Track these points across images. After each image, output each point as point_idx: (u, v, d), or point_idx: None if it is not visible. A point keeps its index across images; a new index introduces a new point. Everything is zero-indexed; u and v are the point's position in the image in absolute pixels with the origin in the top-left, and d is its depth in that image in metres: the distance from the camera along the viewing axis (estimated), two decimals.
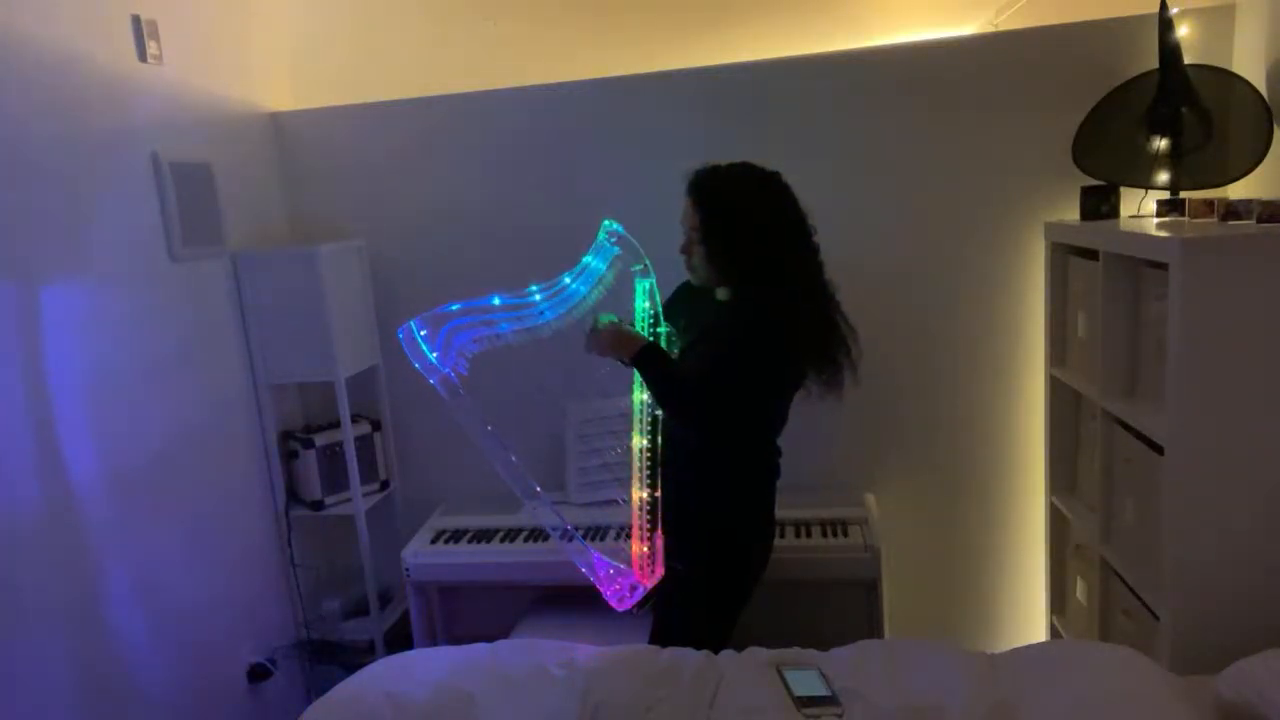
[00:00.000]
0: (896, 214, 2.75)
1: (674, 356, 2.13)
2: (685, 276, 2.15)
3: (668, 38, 3.03)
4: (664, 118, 2.83)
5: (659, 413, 2.12)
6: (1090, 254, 2.28)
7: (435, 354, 1.91)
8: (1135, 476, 2.14)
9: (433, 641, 2.96)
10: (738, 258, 1.99)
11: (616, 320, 2.07)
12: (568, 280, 2.08)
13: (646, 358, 2.02)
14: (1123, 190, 2.45)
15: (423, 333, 1.91)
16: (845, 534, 2.64)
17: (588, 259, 2.11)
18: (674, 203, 2.07)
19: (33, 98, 2.11)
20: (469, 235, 3.01)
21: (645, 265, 2.12)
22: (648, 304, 2.14)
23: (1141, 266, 2.09)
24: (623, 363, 2.06)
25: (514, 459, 1.98)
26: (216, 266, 2.74)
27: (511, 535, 2.81)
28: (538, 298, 2.04)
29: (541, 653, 1.94)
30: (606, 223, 2.11)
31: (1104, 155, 2.48)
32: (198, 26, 2.71)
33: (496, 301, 2.01)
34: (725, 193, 2.01)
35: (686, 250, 2.07)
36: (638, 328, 2.13)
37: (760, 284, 1.98)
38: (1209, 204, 2.13)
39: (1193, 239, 1.82)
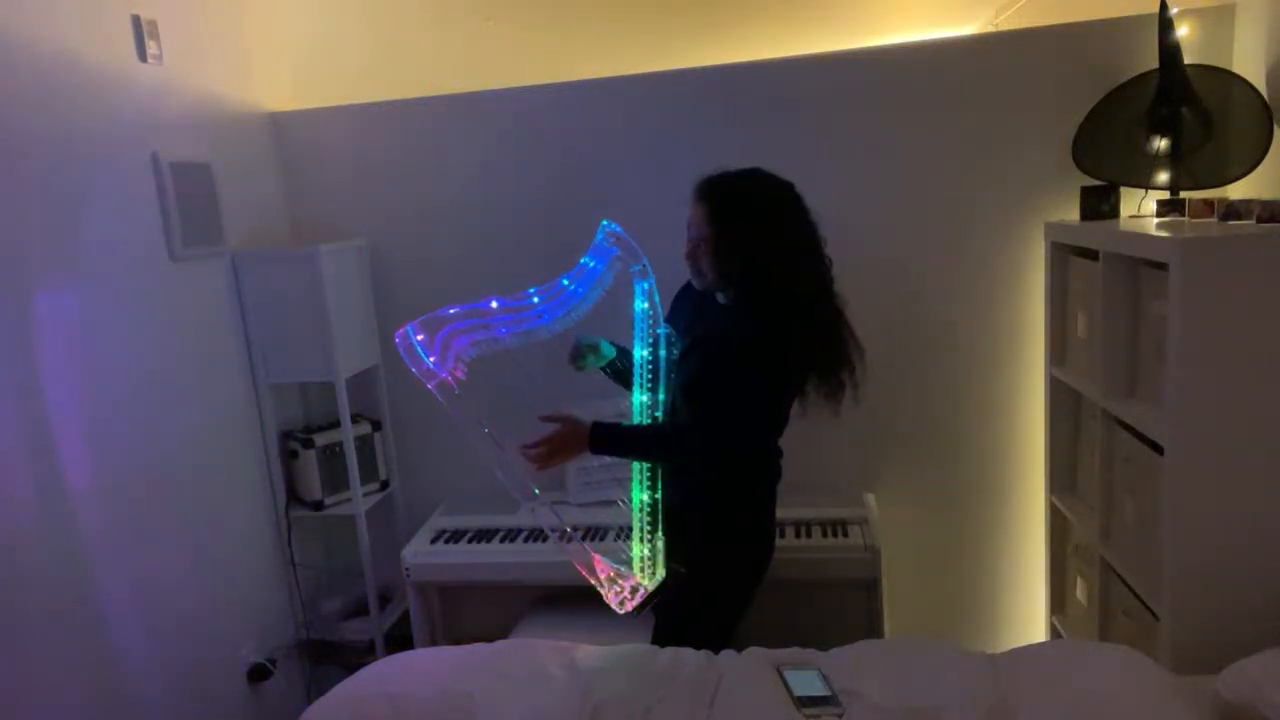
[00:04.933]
0: (896, 214, 2.75)
1: (673, 358, 2.13)
2: (685, 278, 2.14)
3: (666, 38, 3.03)
4: (663, 118, 2.83)
5: (658, 414, 2.12)
6: (1090, 254, 2.28)
7: (432, 358, 1.90)
8: (1135, 476, 2.14)
9: (433, 641, 2.96)
10: (746, 266, 1.96)
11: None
12: (566, 282, 2.07)
13: (601, 440, 2.01)
14: (1123, 190, 2.45)
15: (420, 337, 1.91)
16: (845, 534, 2.65)
17: (586, 260, 2.10)
18: (674, 203, 2.07)
19: (32, 98, 2.11)
20: (469, 235, 3.00)
21: (644, 266, 2.11)
22: (646, 305, 2.13)
23: (1141, 266, 2.09)
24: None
25: (511, 460, 1.98)
26: (216, 266, 2.75)
27: (511, 535, 2.81)
28: (536, 300, 2.04)
29: (541, 653, 1.93)
30: (605, 223, 2.11)
31: (1104, 155, 2.48)
32: (198, 26, 2.71)
33: (494, 305, 2.00)
34: (739, 201, 1.98)
35: (692, 255, 2.04)
36: (636, 329, 2.13)
37: (764, 292, 1.95)
38: (1209, 204, 2.13)
39: (1193, 239, 1.82)
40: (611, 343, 2.22)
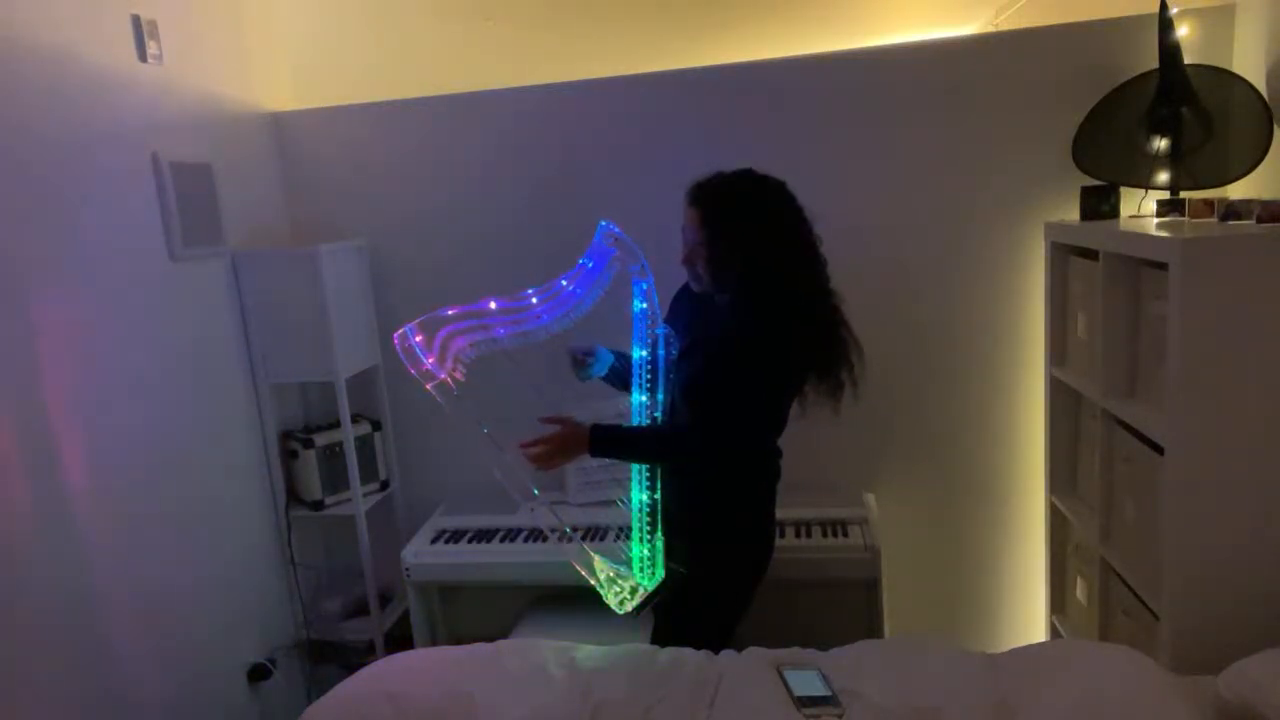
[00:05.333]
0: (896, 214, 2.75)
1: (672, 358, 2.12)
2: (684, 278, 2.13)
3: (666, 38, 3.03)
4: (663, 118, 2.83)
5: (657, 414, 2.12)
6: (1090, 254, 2.28)
7: (431, 359, 1.90)
8: (1135, 476, 2.14)
9: (433, 641, 2.96)
10: (745, 267, 1.95)
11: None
12: (564, 283, 2.07)
13: (601, 442, 2.01)
14: (1123, 190, 2.45)
15: (418, 338, 1.91)
16: (845, 534, 2.64)
17: (584, 261, 2.10)
18: (673, 203, 2.06)
19: (32, 98, 2.11)
20: (469, 235, 3.01)
21: (642, 266, 2.11)
22: (645, 305, 2.13)
23: (1141, 266, 2.09)
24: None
25: (510, 460, 1.98)
26: (216, 266, 2.75)
27: (511, 535, 2.81)
28: (534, 301, 2.04)
29: (541, 653, 1.94)
30: (603, 223, 2.11)
31: (1104, 155, 2.48)
32: (198, 26, 2.71)
33: (493, 305, 2.00)
34: (730, 203, 1.97)
35: (689, 260, 2.04)
36: (635, 329, 2.12)
37: (763, 293, 1.95)
38: (1209, 204, 2.13)
39: (1193, 239, 1.82)
40: (610, 349, 2.22)
